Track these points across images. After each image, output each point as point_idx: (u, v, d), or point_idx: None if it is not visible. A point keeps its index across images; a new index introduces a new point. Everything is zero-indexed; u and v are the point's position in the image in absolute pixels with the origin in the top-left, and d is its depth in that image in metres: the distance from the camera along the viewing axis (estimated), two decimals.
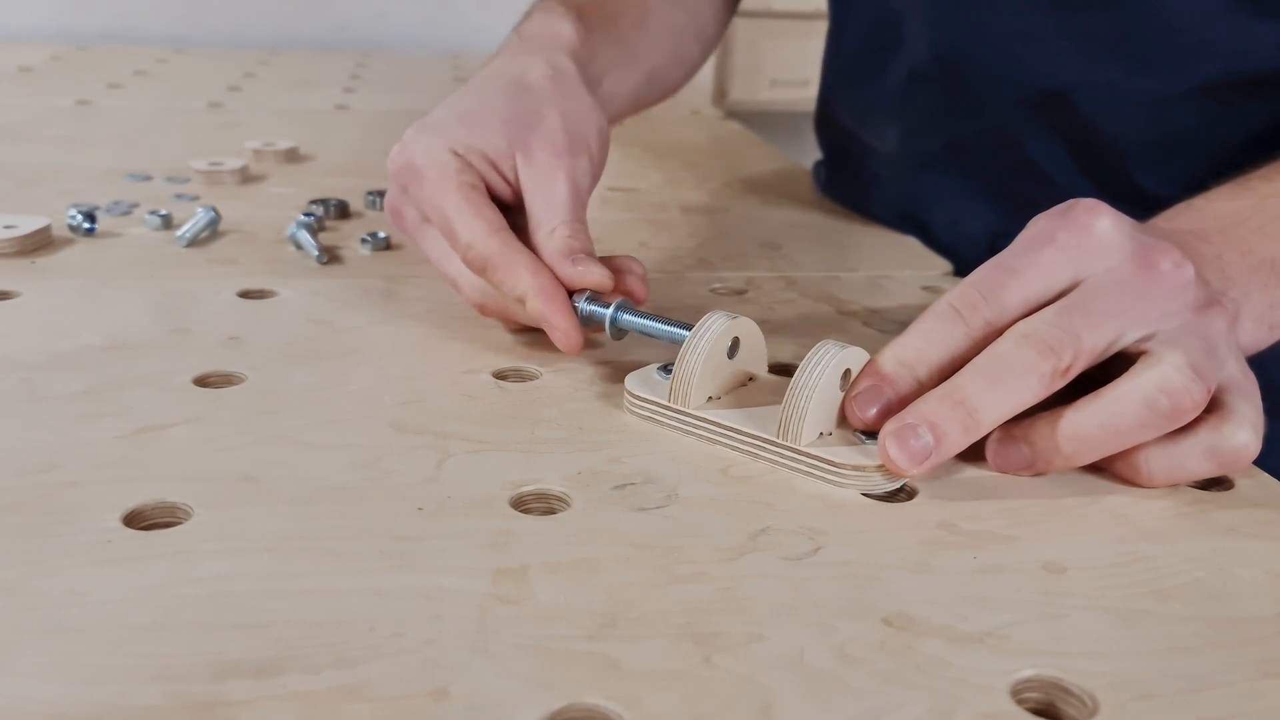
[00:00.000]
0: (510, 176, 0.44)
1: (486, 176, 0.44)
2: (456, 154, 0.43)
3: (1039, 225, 0.37)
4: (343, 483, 0.33)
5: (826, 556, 0.31)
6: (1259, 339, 0.41)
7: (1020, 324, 0.34)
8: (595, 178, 0.45)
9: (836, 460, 0.34)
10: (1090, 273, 0.35)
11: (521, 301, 0.41)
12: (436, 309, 0.49)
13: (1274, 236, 0.41)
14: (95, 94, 1.00)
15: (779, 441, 0.35)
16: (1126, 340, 0.34)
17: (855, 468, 0.34)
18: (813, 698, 0.25)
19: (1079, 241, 0.36)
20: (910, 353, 0.35)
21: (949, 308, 0.36)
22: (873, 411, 0.35)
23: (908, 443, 0.33)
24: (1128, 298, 0.35)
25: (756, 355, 0.40)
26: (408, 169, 0.44)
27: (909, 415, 0.33)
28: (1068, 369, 0.33)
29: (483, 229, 0.41)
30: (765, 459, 0.36)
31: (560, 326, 0.40)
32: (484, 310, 0.44)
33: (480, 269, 0.41)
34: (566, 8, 0.53)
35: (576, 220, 0.43)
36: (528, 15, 0.54)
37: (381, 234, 0.58)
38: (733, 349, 0.39)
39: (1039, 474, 0.35)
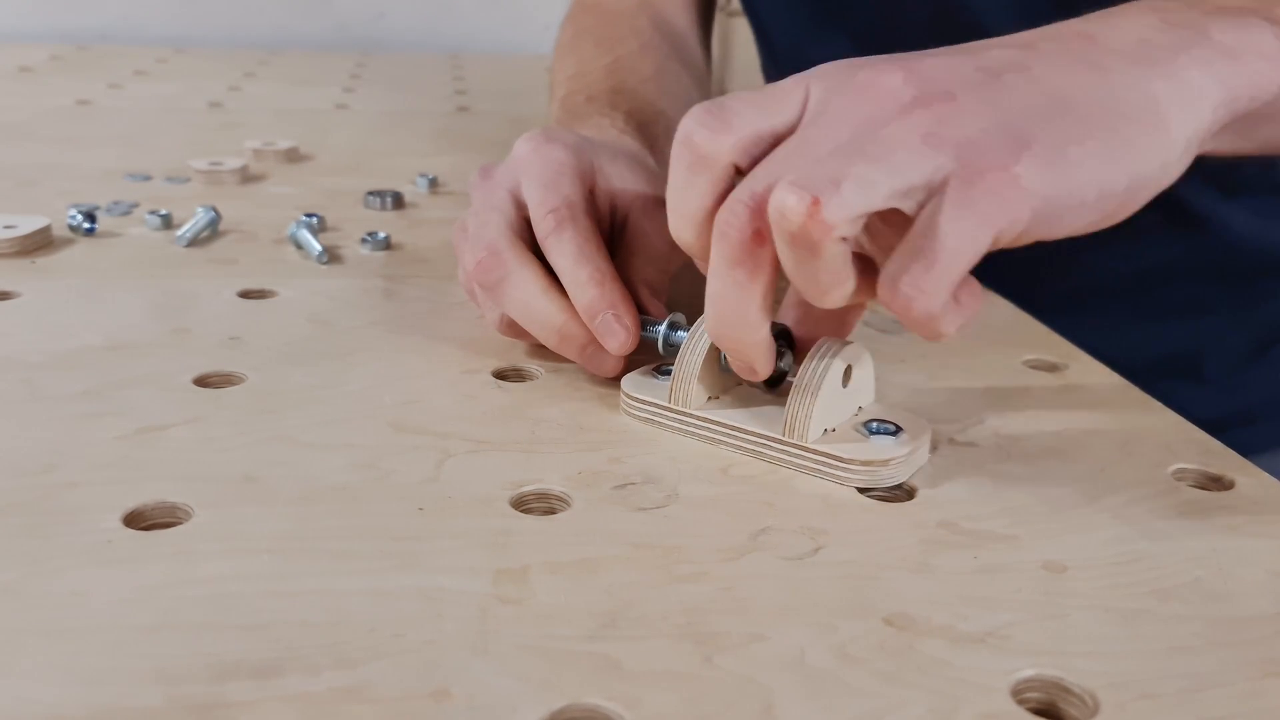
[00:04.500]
0: (618, 215, 0.44)
1: (600, 206, 0.44)
2: (593, 165, 0.44)
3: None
4: (343, 483, 0.33)
5: (826, 556, 0.31)
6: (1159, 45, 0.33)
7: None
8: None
9: (845, 456, 0.34)
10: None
11: (576, 284, 0.39)
12: (436, 309, 0.49)
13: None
14: (95, 94, 1.00)
15: (786, 440, 0.35)
16: None
17: (863, 463, 0.34)
18: (813, 698, 0.25)
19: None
20: None
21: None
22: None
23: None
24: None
25: None
26: (546, 141, 0.43)
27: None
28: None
29: (580, 199, 0.41)
30: (770, 457, 0.36)
31: (621, 309, 0.39)
32: (483, 270, 0.41)
33: (551, 227, 0.40)
34: (629, 130, 0.53)
35: (667, 274, 0.44)
36: (578, 116, 0.54)
37: (381, 234, 0.58)
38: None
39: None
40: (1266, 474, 0.36)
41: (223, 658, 0.25)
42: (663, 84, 0.61)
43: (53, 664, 0.25)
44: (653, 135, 0.54)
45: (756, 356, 0.34)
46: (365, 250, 0.57)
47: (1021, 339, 0.48)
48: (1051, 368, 0.45)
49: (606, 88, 0.58)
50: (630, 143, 0.52)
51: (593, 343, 0.40)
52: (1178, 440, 0.39)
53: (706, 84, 0.71)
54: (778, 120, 0.32)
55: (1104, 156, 0.30)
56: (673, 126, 0.57)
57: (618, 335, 0.39)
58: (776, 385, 0.38)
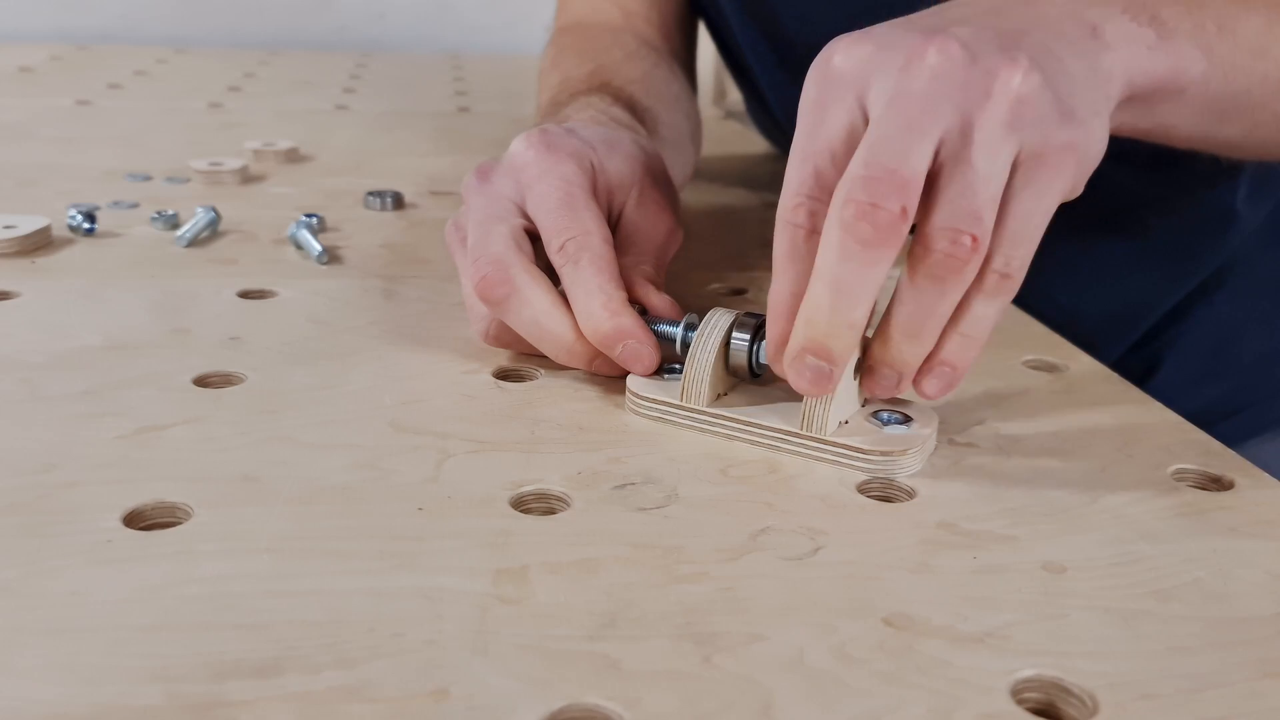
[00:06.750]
0: (614, 210, 0.45)
1: (600, 202, 0.44)
2: (593, 167, 0.44)
3: (808, 93, 0.34)
4: (343, 483, 0.33)
5: (826, 556, 0.31)
6: (1139, 49, 0.36)
7: (834, 209, 0.31)
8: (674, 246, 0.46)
9: (864, 447, 0.35)
10: (872, 100, 0.33)
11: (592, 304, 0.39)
12: (436, 309, 0.49)
13: None
14: (95, 94, 1.00)
15: (803, 433, 0.36)
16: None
17: (882, 453, 0.35)
18: (813, 698, 0.25)
19: (848, 83, 0.33)
20: (788, 301, 0.34)
21: (794, 230, 0.34)
22: (811, 381, 0.34)
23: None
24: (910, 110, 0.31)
25: None
26: (549, 150, 0.43)
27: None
28: (903, 210, 0.31)
29: (596, 223, 0.41)
30: (787, 451, 0.36)
31: (641, 337, 0.39)
32: (489, 286, 0.40)
33: (569, 256, 0.40)
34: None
35: (662, 266, 0.44)
36: (572, 100, 0.55)
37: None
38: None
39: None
40: (1266, 474, 0.36)
41: (222, 657, 0.25)
42: (650, 86, 0.61)
43: (52, 663, 0.25)
44: (642, 121, 0.55)
45: (852, 342, 0.33)
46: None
47: (1021, 339, 0.48)
48: (1051, 368, 0.45)
49: (593, 85, 0.58)
50: (620, 114, 0.52)
51: (599, 357, 0.40)
52: (1177, 441, 0.39)
53: (694, 99, 0.70)
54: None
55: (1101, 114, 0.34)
56: (661, 124, 0.58)
57: (642, 360, 0.39)
58: (759, 376, 0.39)
